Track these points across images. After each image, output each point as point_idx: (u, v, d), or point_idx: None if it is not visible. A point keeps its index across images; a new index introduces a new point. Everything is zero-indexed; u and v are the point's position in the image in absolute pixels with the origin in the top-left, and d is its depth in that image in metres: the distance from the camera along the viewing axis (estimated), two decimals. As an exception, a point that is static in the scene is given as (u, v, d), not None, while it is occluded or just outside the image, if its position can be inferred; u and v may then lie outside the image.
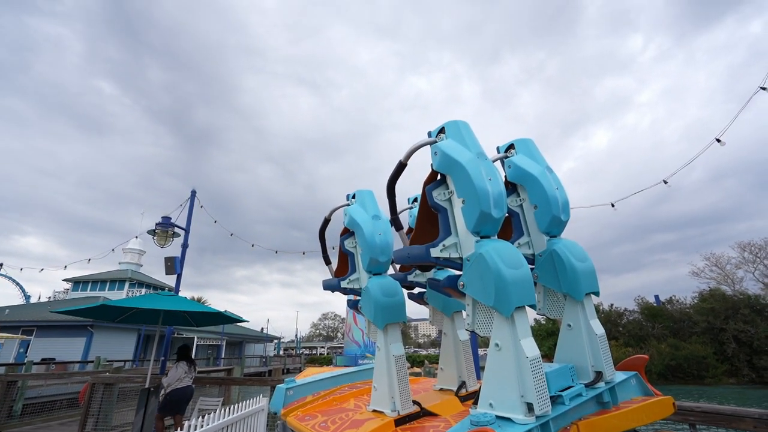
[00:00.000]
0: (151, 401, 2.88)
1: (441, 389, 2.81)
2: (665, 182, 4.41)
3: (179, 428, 5.66)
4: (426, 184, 2.03)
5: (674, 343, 31.40)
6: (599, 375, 1.94)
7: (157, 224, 7.12)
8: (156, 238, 7.12)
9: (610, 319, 38.62)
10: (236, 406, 4.28)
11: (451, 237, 1.89)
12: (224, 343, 40.61)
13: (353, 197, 2.85)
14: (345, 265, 2.90)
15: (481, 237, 1.80)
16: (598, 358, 1.97)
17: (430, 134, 2.09)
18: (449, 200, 1.95)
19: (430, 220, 2.09)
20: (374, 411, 2.42)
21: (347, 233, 2.85)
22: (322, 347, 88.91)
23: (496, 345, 1.65)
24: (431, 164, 2.00)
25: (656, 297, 41.18)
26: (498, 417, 1.55)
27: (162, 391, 5.71)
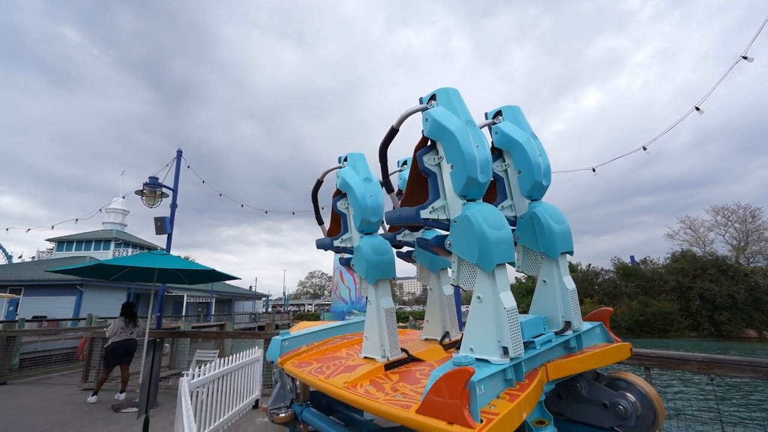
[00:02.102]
0: (157, 352, 3.07)
1: (426, 339, 3.07)
2: (644, 149, 4.57)
3: (125, 378, 6.06)
4: (417, 149, 2.13)
5: (644, 300, 33.35)
6: (568, 324, 2.18)
7: (144, 184, 7.06)
8: (144, 199, 7.08)
9: (586, 277, 40.35)
10: (233, 356, 4.54)
11: (439, 200, 2.02)
12: (214, 301, 41.37)
13: (345, 160, 2.92)
14: (337, 225, 3.03)
15: (468, 200, 1.94)
16: (568, 310, 2.19)
17: (421, 101, 2.16)
18: (438, 165, 2.06)
19: (420, 184, 2.21)
20: (365, 358, 2.66)
21: (339, 195, 2.95)
22: (310, 304, 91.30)
23: (478, 298, 1.83)
24: (422, 130, 2.08)
25: (632, 257, 43.09)
26: (477, 359, 1.76)
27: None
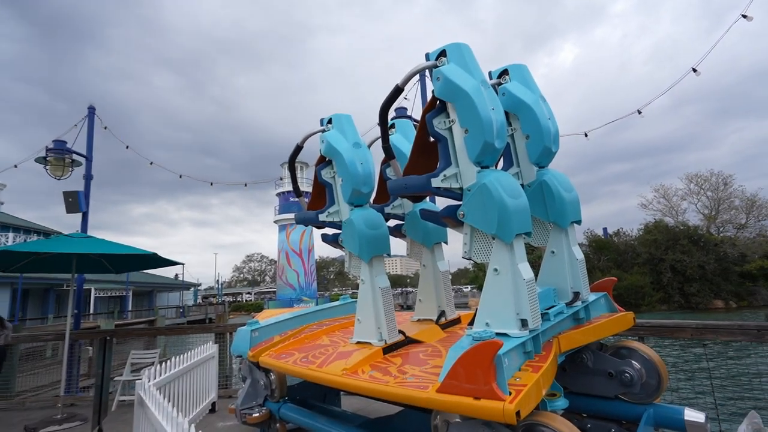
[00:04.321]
0: (107, 354, 3.00)
1: (419, 320, 3.28)
2: (639, 112, 4.98)
3: None
4: (426, 111, 2.23)
5: (617, 274, 36.33)
6: (577, 295, 2.46)
7: (49, 150, 6.49)
8: (49, 168, 6.53)
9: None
10: (185, 355, 4.52)
11: (451, 167, 2.15)
12: (130, 294, 39.55)
13: (329, 122, 2.96)
14: (322, 197, 3.09)
15: (482, 167, 2.09)
16: (577, 280, 2.47)
17: (428, 57, 2.24)
18: (450, 129, 2.18)
19: (426, 150, 2.33)
20: (359, 343, 2.81)
21: (324, 162, 3.00)
22: (248, 293, 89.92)
23: (495, 270, 2.02)
24: (432, 90, 2.18)
25: (605, 230, 46.53)
26: (496, 334, 1.97)
27: None
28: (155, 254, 5.57)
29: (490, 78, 2.69)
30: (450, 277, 3.34)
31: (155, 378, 3.58)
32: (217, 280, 76.07)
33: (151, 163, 10.41)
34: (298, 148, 3.16)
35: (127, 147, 8.67)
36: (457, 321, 3.18)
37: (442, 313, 3.15)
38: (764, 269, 34.68)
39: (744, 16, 4.21)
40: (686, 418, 2.28)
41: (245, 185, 12.29)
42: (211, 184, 11.49)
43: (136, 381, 3.40)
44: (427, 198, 3.08)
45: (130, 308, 38.15)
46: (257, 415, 3.36)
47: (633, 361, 2.48)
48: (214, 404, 5.26)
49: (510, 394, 1.64)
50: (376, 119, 2.41)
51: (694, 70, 4.42)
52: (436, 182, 2.14)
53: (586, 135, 5.32)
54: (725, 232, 39.48)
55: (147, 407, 2.74)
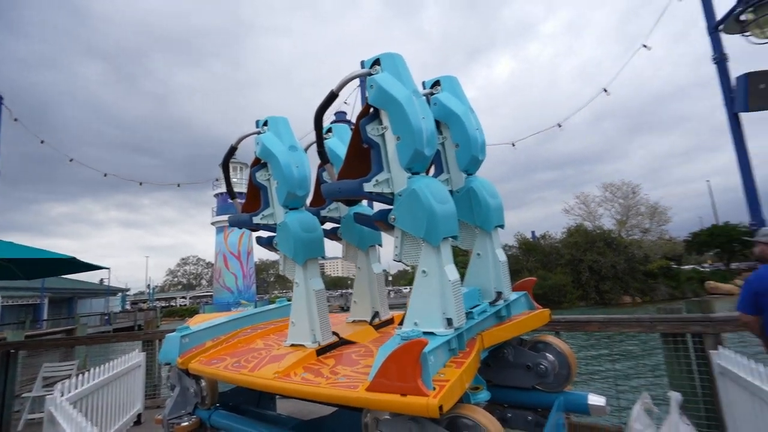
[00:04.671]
0: (12, 366, 2.68)
1: (354, 321, 3.29)
2: (559, 125, 5.38)
3: None
4: (360, 117, 2.25)
5: (543, 274, 38.85)
6: (499, 294, 2.60)
7: (-53, 142, 5.73)
8: (-53, 162, 5.76)
9: (490, 254, 45.13)
10: (107, 365, 4.19)
11: (383, 173, 2.20)
12: (46, 301, 35.88)
13: (265, 124, 2.90)
14: (256, 199, 3.01)
15: (413, 173, 2.15)
16: (500, 281, 2.61)
17: (363, 64, 2.27)
18: (383, 136, 2.23)
19: (360, 155, 2.35)
20: (293, 345, 2.77)
21: (259, 164, 2.93)
22: (183, 297, 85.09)
23: (423, 272, 2.09)
24: (366, 97, 2.21)
25: (533, 233, 49.45)
26: (424, 332, 2.03)
27: None
28: (73, 258, 5.08)
29: (424, 88, 2.78)
30: (384, 278, 3.39)
31: (70, 392, 3.29)
32: (148, 285, 71.19)
33: (71, 160, 9.52)
34: (233, 149, 3.07)
35: (42, 141, 7.87)
36: (390, 321, 3.24)
37: (376, 314, 3.19)
38: (663, 268, 38.72)
39: (645, 46, 4.70)
40: (589, 402, 2.49)
41: (178, 185, 11.62)
42: (140, 183, 10.72)
43: (47, 396, 3.10)
44: (365, 202, 3.11)
45: (45, 317, 34.59)
46: (186, 424, 3.20)
47: (548, 354, 2.67)
48: (139, 416, 4.92)
49: (434, 389, 1.71)
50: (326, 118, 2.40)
51: (605, 90, 4.85)
52: (368, 187, 2.17)
53: (513, 145, 5.67)
54: (633, 235, 43.55)
55: (58, 424, 2.50)
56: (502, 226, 2.70)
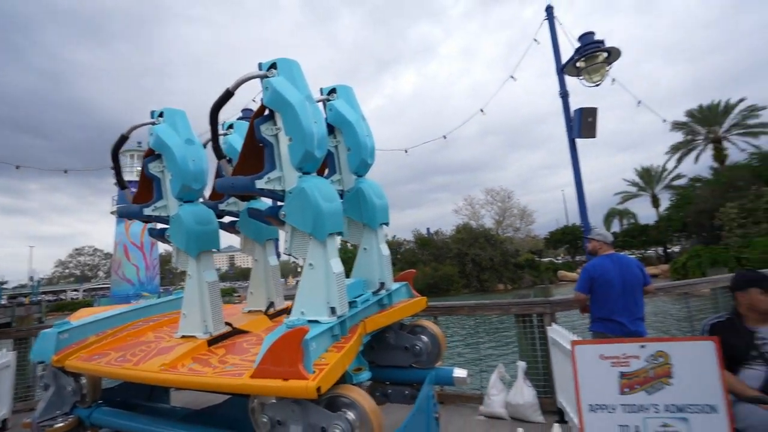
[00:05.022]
0: None
1: (250, 311, 3.17)
2: (444, 137, 5.75)
3: None
4: (254, 117, 2.17)
5: (435, 266, 41.27)
6: (382, 285, 2.70)
7: None
8: None
9: (391, 248, 46.70)
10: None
11: (275, 171, 2.15)
12: None
13: (161, 116, 2.64)
14: (148, 190, 2.74)
15: (303, 173, 2.14)
16: (383, 273, 2.71)
17: (260, 66, 2.19)
18: (276, 136, 2.17)
19: (255, 152, 2.27)
20: (183, 337, 2.58)
21: (152, 155, 2.66)
22: (75, 290, 73.89)
23: (310, 265, 2.09)
24: (261, 99, 2.13)
25: (428, 229, 52.04)
26: (309, 321, 2.03)
27: None
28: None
29: (321, 93, 2.76)
30: (279, 270, 3.31)
31: None
32: (31, 277, 60.49)
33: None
34: (123, 138, 2.74)
35: None
36: (285, 311, 3.18)
37: (270, 304, 3.10)
38: (529, 260, 43.66)
39: (512, 77, 5.22)
40: (454, 375, 2.70)
41: (65, 171, 10.02)
42: (17, 167, 9.01)
43: None
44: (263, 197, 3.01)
45: None
46: (60, 425, 2.80)
47: (423, 336, 2.84)
48: (5, 421, 4.18)
49: (314, 372, 1.72)
50: (233, 114, 2.25)
51: (482, 111, 5.28)
52: (260, 184, 2.10)
53: (406, 151, 5.90)
54: (507, 233, 48.26)
55: None
56: (386, 224, 2.80)
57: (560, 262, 51.26)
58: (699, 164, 35.57)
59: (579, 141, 4.36)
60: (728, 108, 32.88)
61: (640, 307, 3.46)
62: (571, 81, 4.70)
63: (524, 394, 3.66)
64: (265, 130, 2.15)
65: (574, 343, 1.48)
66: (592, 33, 4.39)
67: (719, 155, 33.02)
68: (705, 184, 32.36)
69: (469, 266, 41.38)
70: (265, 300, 3.12)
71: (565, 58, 4.60)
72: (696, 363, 1.46)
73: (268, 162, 2.16)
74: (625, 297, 3.44)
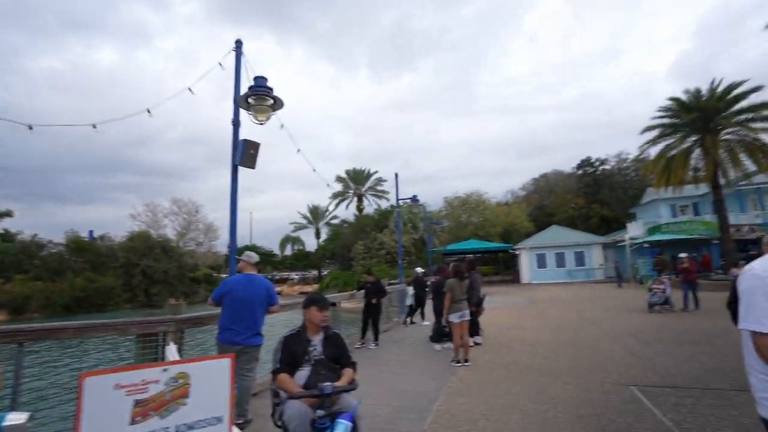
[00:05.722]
0: None
1: None
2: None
3: None
4: None
5: (90, 276, 32.95)
6: None
7: None
8: None
9: (25, 250, 34.10)
10: None
11: None
12: None
13: None
14: None
15: None
16: None
17: None
18: None
19: None
20: None
21: None
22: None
23: None
24: None
25: (90, 232, 41.20)
26: None
27: None
28: None
29: None
30: None
31: None
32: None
33: None
34: None
35: None
36: None
37: None
38: (207, 275, 42.03)
39: (189, 90, 4.92)
40: (6, 423, 1.94)
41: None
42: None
43: None
44: None
45: None
46: None
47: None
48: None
49: None
50: None
51: (148, 111, 4.66)
52: None
53: (94, 126, 4.39)
54: (189, 246, 44.65)
55: None
56: None
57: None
58: (348, 210, 46.22)
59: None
60: (368, 175, 45.29)
61: (258, 322, 3.81)
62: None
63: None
64: None
65: (84, 375, 1.28)
66: (265, 78, 4.76)
67: (360, 206, 44.46)
68: (349, 225, 42.60)
69: (138, 278, 35.53)
70: None
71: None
72: (212, 380, 1.55)
73: None
74: (248, 311, 3.70)
